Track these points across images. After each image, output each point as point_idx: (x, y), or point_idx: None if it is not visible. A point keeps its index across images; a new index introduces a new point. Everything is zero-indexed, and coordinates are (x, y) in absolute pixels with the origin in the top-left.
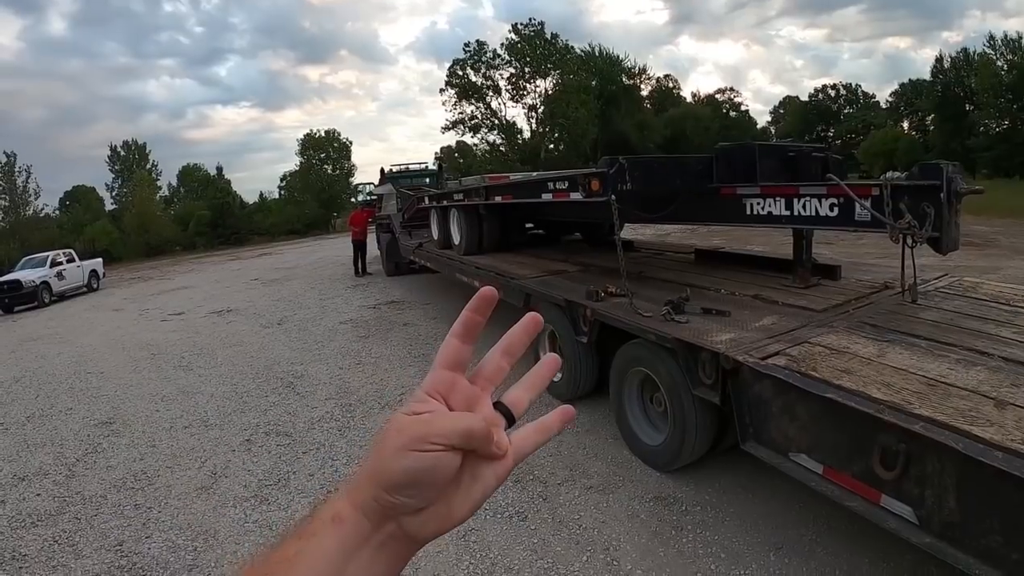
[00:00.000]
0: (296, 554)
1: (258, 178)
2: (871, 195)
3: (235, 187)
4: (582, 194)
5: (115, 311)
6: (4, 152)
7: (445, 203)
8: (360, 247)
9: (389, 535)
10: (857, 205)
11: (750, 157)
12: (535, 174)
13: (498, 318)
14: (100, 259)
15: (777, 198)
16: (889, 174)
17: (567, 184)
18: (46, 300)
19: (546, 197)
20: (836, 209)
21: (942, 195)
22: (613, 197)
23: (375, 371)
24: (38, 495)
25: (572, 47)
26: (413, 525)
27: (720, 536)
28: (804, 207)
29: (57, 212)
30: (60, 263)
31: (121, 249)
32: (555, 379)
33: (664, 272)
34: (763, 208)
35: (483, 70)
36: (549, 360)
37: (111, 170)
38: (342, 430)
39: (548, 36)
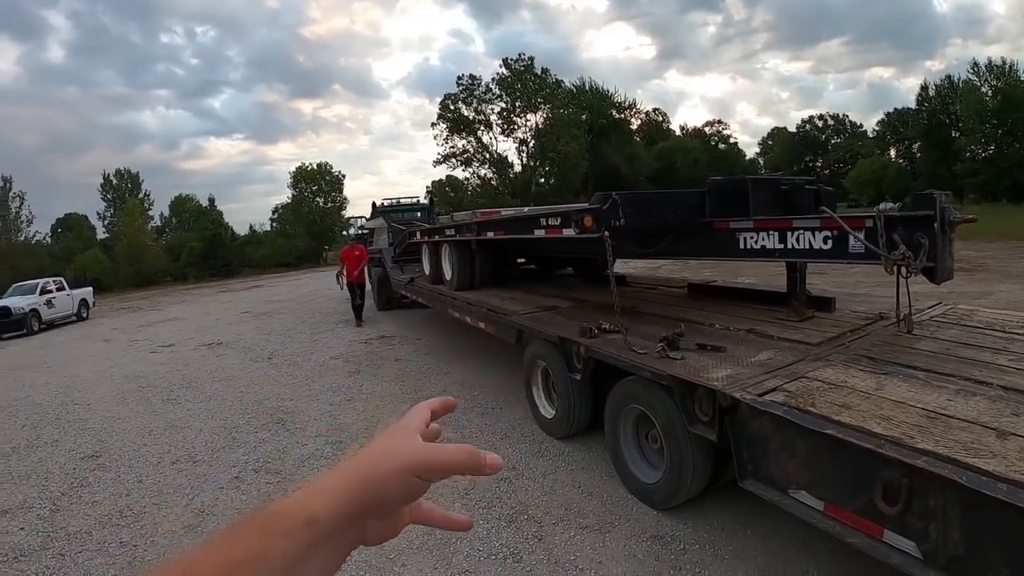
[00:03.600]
0: (261, 555)
1: (250, 210)
2: (864, 227)
3: (227, 218)
4: (575, 230)
5: (104, 341)
6: (1, 176)
7: (437, 238)
8: (358, 291)
9: (350, 537)
10: (851, 237)
11: (742, 191)
12: (526, 209)
13: (493, 351)
14: (90, 288)
15: (770, 231)
16: (882, 205)
17: (560, 220)
18: (35, 328)
19: (538, 233)
20: (830, 242)
21: (936, 225)
22: (607, 233)
23: (366, 407)
24: (21, 529)
25: (562, 81)
26: (372, 530)
27: None
28: (798, 240)
29: (48, 239)
30: (50, 291)
31: (111, 278)
32: (547, 415)
33: (657, 307)
34: (756, 242)
35: (475, 104)
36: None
37: (103, 199)
38: (333, 468)
39: (538, 71)
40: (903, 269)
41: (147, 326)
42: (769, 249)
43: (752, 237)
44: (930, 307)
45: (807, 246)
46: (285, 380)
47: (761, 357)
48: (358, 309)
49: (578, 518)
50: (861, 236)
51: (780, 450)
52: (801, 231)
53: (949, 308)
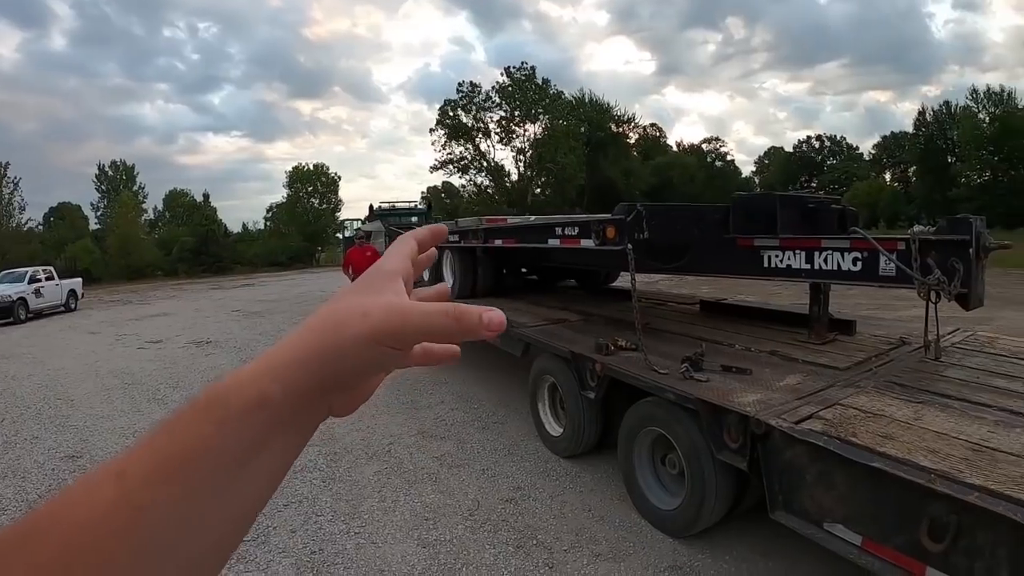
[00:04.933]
0: (205, 441)
1: (244, 207)
2: (897, 249)
3: (221, 215)
4: (595, 241)
5: (91, 334)
6: None
7: (438, 244)
8: None
9: (313, 416)
10: (882, 259)
11: (770, 207)
12: (532, 218)
13: (490, 362)
14: (80, 279)
15: (797, 251)
16: (916, 227)
17: (578, 230)
18: (22, 317)
19: (553, 243)
20: (859, 263)
21: (971, 250)
22: (630, 246)
23: (360, 417)
24: None
25: (562, 93)
26: (339, 402)
27: None
28: (826, 261)
29: (40, 227)
30: (39, 280)
31: (102, 270)
32: (554, 433)
33: (670, 324)
34: (782, 261)
35: (474, 111)
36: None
37: (98, 189)
38: (326, 481)
39: (539, 81)
40: (934, 294)
41: (135, 320)
42: (795, 268)
43: (778, 256)
44: (950, 333)
45: (835, 267)
46: None
47: (789, 381)
48: None
49: (591, 545)
50: (894, 258)
51: (816, 481)
52: (830, 251)
53: (970, 335)
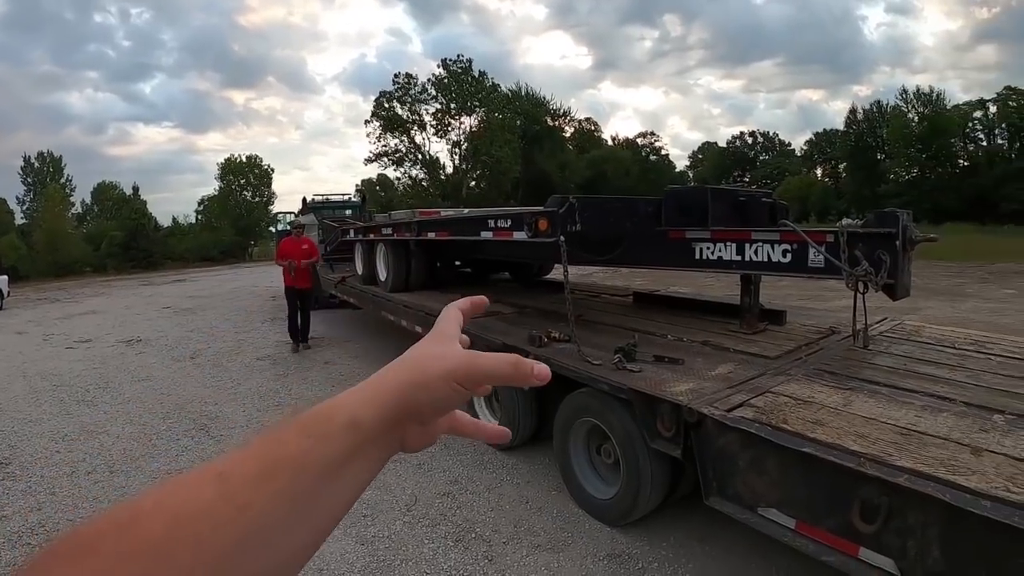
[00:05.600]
0: (301, 455)
1: (175, 200)
2: (826, 241)
3: (151, 208)
4: (527, 233)
5: (17, 334)
6: None
7: (372, 236)
8: (300, 300)
9: (391, 443)
10: (811, 251)
11: (702, 200)
12: (467, 211)
13: None
14: (5, 276)
15: (728, 243)
16: (844, 221)
17: (510, 222)
18: None
19: (485, 235)
20: (789, 255)
21: (898, 243)
22: (562, 238)
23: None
24: None
25: (499, 86)
26: (412, 435)
27: None
28: (756, 252)
29: None
30: None
31: (28, 267)
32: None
33: (603, 315)
34: (713, 253)
35: (409, 104)
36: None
37: (23, 182)
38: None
39: (476, 74)
40: (862, 285)
41: (64, 319)
42: (726, 260)
43: (709, 248)
44: (878, 322)
45: (766, 258)
46: (209, 382)
47: (721, 371)
48: (298, 328)
49: (529, 536)
50: (823, 250)
51: (749, 467)
52: (760, 243)
53: (897, 324)
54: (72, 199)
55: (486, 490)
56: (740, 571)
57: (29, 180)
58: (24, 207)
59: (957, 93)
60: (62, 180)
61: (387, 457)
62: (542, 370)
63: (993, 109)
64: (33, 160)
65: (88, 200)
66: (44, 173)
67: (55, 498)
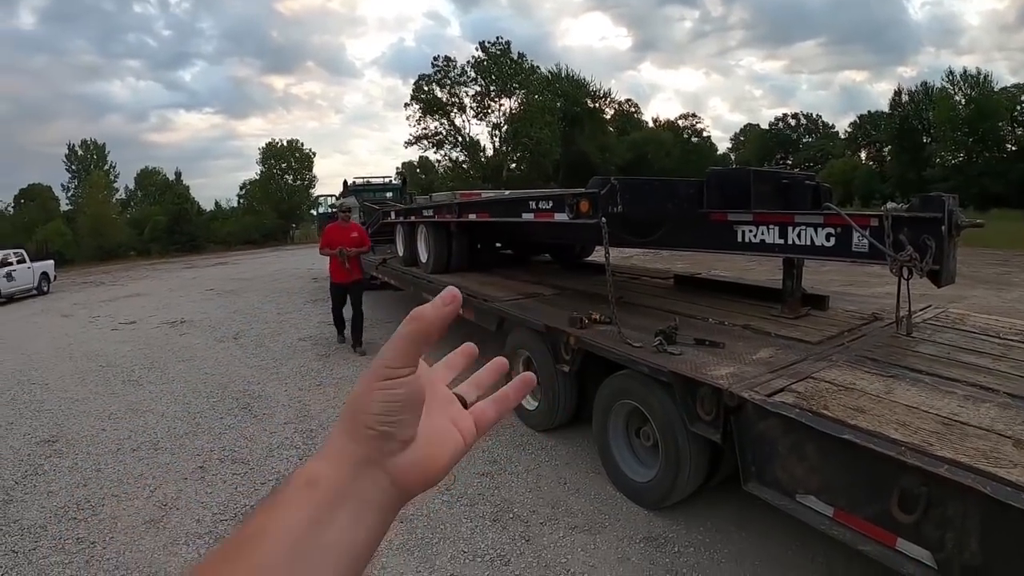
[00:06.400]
0: (259, 531)
1: (217, 185)
2: (870, 225)
3: (194, 193)
4: (569, 215)
5: (64, 317)
6: None
7: (413, 219)
8: (351, 295)
9: (371, 486)
10: (855, 235)
11: (744, 183)
12: (507, 193)
13: (465, 336)
14: (52, 261)
15: (771, 226)
16: (889, 204)
17: (552, 204)
18: None
19: (527, 217)
20: (832, 239)
21: (943, 228)
22: (604, 219)
23: (337, 394)
24: None
25: (538, 67)
26: (400, 467)
27: None
28: (799, 236)
29: (11, 209)
30: (10, 263)
31: (74, 252)
32: (529, 407)
33: (644, 298)
34: (755, 236)
35: (449, 86)
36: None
37: (68, 170)
38: (303, 459)
39: (515, 56)
40: (906, 271)
41: (109, 301)
42: (769, 244)
43: (751, 231)
44: (921, 309)
45: (809, 242)
46: (252, 362)
47: (762, 355)
48: (345, 323)
49: (566, 517)
50: (867, 234)
51: (788, 453)
52: (803, 227)
53: (941, 311)
54: (116, 185)
55: (524, 471)
56: (777, 557)
57: (73, 168)
58: (69, 194)
59: (1005, 75)
60: (105, 167)
61: (379, 510)
62: (445, 295)
63: None
64: (77, 148)
65: (132, 186)
66: (88, 160)
67: (101, 474)
